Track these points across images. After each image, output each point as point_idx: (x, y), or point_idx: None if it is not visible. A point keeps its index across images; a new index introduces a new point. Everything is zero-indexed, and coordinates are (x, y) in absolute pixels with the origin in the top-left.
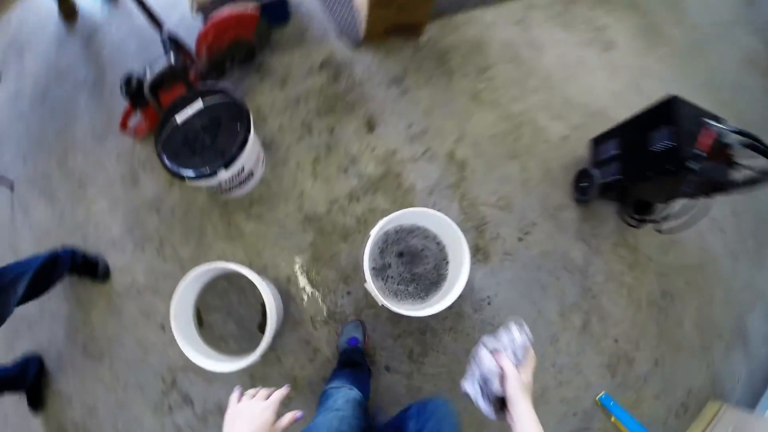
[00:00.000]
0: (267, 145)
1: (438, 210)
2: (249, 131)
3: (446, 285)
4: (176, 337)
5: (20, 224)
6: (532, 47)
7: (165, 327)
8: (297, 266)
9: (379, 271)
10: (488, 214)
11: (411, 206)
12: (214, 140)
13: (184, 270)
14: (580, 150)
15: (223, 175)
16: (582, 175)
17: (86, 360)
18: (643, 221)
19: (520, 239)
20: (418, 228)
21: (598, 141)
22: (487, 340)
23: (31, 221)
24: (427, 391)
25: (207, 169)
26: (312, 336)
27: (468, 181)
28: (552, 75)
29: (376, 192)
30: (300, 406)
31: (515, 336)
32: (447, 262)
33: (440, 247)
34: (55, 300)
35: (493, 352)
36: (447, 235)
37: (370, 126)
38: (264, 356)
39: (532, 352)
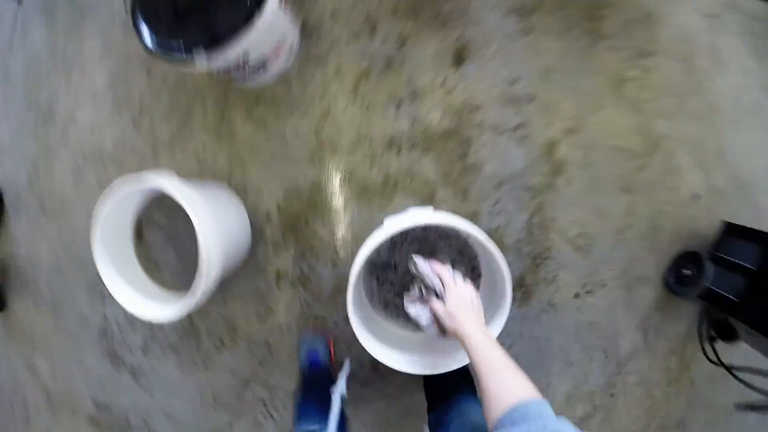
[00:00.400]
0: (307, 31)
1: (499, 213)
2: (258, 7)
3: None
4: (96, 255)
5: (17, 44)
6: (711, 57)
7: None
8: (282, 203)
9: (378, 269)
10: (557, 247)
11: (465, 190)
12: (209, 6)
13: (155, 153)
14: (704, 223)
15: (203, 63)
16: (691, 260)
17: (40, 213)
18: (716, 356)
19: (576, 295)
20: (458, 237)
21: (733, 232)
22: (407, 305)
23: (27, 44)
24: None
25: (179, 48)
26: (271, 293)
27: (555, 192)
28: (719, 107)
29: (427, 152)
30: (230, 361)
31: (423, 276)
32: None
33: (475, 274)
34: (26, 139)
35: (424, 305)
36: (490, 268)
37: (459, 58)
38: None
39: (443, 272)
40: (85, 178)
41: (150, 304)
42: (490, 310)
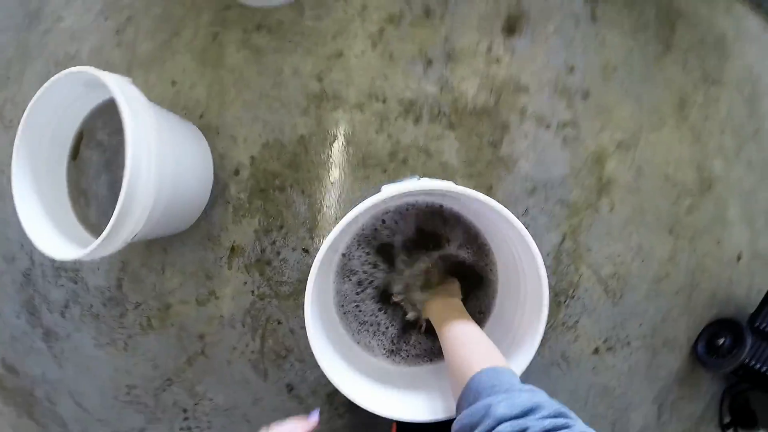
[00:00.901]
0: None
1: (526, 226)
2: None
3: None
4: (15, 160)
5: None
6: None
7: None
8: (258, 157)
9: (355, 265)
10: (586, 284)
11: (490, 188)
12: None
13: (129, 70)
14: (741, 290)
15: None
16: (728, 328)
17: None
18: None
19: (596, 351)
20: (476, 237)
21: None
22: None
23: None
24: None
25: None
26: (219, 273)
27: (597, 216)
28: None
29: (452, 128)
30: (154, 348)
31: None
32: (487, 312)
33: (492, 276)
34: (7, 38)
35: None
36: (512, 279)
37: (511, 26)
38: (149, 249)
39: None
40: None
41: (59, 238)
42: (506, 339)
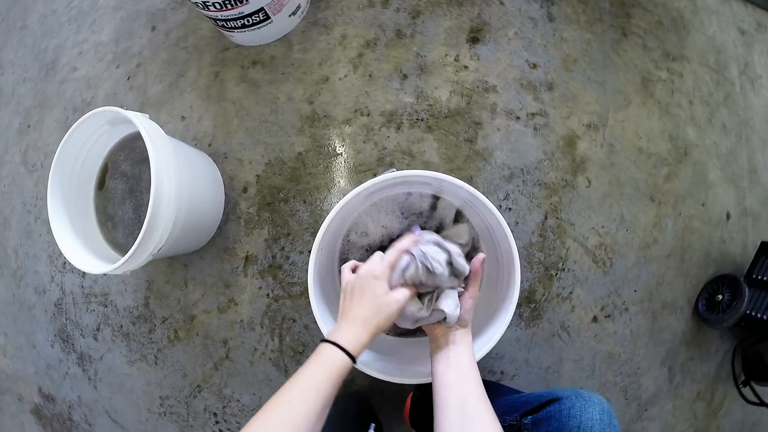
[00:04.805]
0: None
1: (509, 210)
2: None
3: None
4: (50, 192)
5: None
6: (744, 72)
7: None
8: (263, 175)
9: (361, 253)
10: (574, 257)
11: (471, 179)
12: None
13: (142, 110)
14: (736, 248)
15: None
16: (724, 284)
17: (21, 167)
18: (756, 395)
19: (594, 319)
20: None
21: None
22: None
23: None
24: None
25: None
26: (236, 282)
27: (574, 192)
28: (752, 124)
29: (431, 130)
30: (182, 358)
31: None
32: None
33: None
34: (26, 89)
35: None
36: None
37: (475, 36)
38: (171, 267)
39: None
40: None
41: (91, 257)
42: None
